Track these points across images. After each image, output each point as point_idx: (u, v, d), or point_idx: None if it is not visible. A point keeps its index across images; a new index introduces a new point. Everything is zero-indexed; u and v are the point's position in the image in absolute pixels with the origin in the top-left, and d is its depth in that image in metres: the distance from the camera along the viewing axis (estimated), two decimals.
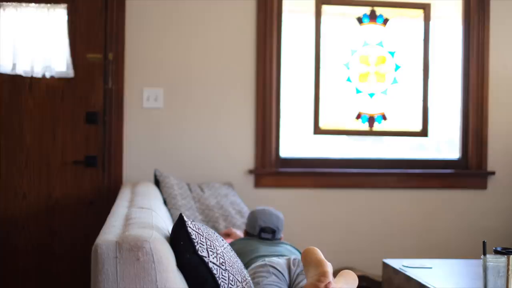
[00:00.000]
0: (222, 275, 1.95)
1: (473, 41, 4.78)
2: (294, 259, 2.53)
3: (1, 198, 4.31)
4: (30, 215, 4.25)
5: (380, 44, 4.75)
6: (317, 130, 4.69)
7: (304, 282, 2.34)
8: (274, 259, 2.54)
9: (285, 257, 2.58)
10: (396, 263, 3.47)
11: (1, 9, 4.19)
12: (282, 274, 2.45)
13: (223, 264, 1.98)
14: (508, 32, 4.83)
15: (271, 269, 2.44)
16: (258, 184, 4.54)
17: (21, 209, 4.28)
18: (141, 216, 2.25)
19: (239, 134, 4.52)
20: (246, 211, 4.00)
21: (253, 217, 3.28)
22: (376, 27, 4.75)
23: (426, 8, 4.76)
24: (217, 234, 2.13)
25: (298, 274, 2.46)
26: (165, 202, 3.89)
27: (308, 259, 2.18)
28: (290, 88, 4.67)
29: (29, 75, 4.21)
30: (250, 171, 4.53)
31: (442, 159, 4.91)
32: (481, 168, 4.79)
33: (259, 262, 2.52)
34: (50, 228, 4.31)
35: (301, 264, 2.48)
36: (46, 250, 4.29)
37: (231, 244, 3.00)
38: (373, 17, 4.74)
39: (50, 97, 4.34)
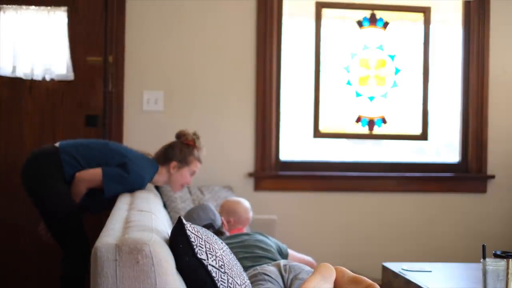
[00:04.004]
0: (221, 278, 1.95)
1: (473, 44, 4.78)
2: (285, 265, 2.54)
3: (2, 200, 4.31)
4: (30, 217, 4.24)
5: (380, 47, 4.76)
6: (317, 134, 4.69)
7: (299, 285, 2.37)
8: (266, 267, 2.55)
9: (274, 263, 2.59)
10: (395, 266, 3.47)
11: (1, 12, 4.20)
12: (277, 281, 2.46)
13: (222, 267, 1.97)
14: (508, 36, 4.83)
15: (266, 277, 2.46)
16: (257, 187, 4.55)
17: (21, 212, 4.27)
18: (141, 219, 2.25)
19: (239, 137, 4.53)
20: None
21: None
22: (376, 30, 4.75)
23: (426, 11, 4.77)
24: (216, 237, 2.13)
25: (292, 280, 2.47)
26: (165, 205, 3.90)
27: (341, 280, 2.26)
28: (290, 91, 4.67)
29: (29, 78, 4.22)
30: (250, 174, 4.53)
31: (442, 162, 4.91)
32: (481, 172, 4.79)
33: (251, 272, 2.53)
34: None
35: (293, 269, 2.50)
36: (46, 253, 4.28)
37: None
38: (373, 20, 4.74)
39: (50, 100, 4.34)
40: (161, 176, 3.64)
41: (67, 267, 3.45)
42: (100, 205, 3.56)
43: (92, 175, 3.40)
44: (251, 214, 3.78)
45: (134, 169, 3.43)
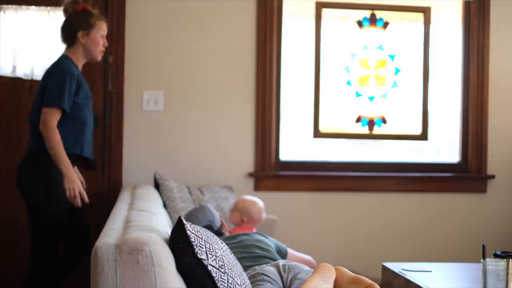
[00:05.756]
0: (221, 278, 1.95)
1: (473, 45, 4.79)
2: (284, 265, 2.54)
3: (1, 201, 4.31)
4: None
5: (380, 47, 4.76)
6: (317, 134, 4.69)
7: (298, 285, 2.37)
8: (265, 267, 2.55)
9: (273, 263, 2.59)
10: (395, 266, 3.46)
11: (1, 12, 4.20)
12: (276, 281, 2.46)
13: (222, 267, 1.97)
14: (508, 36, 4.83)
15: (265, 277, 2.45)
16: (258, 187, 4.55)
17: (21, 212, 4.27)
18: (141, 219, 2.25)
19: (239, 137, 4.53)
20: None
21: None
22: (376, 30, 4.75)
23: (426, 11, 4.77)
24: (216, 237, 2.13)
25: (291, 280, 2.46)
26: (165, 205, 3.90)
27: (341, 280, 2.25)
28: (290, 91, 4.67)
29: (29, 78, 4.22)
30: (250, 174, 4.53)
31: (442, 162, 4.91)
32: (481, 172, 4.79)
33: (250, 272, 2.52)
34: None
35: (292, 269, 2.50)
36: None
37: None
38: (373, 20, 4.74)
39: None
40: (78, 53, 3.59)
41: (33, 276, 3.47)
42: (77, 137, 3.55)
43: (46, 115, 3.37)
44: (264, 215, 3.78)
45: (50, 73, 3.47)
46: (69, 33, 3.59)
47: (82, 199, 3.51)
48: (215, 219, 3.48)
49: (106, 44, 3.72)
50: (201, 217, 3.44)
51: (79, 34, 3.57)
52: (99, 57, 3.71)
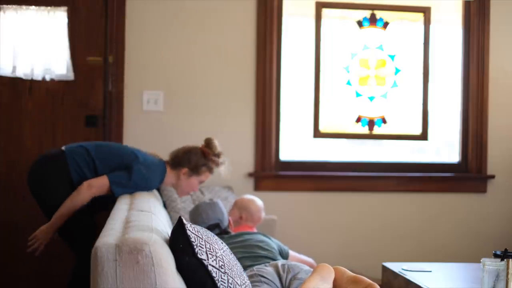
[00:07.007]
0: (222, 278, 1.94)
1: (473, 45, 4.78)
2: (283, 265, 2.53)
3: (1, 200, 4.31)
4: (30, 217, 4.24)
5: (380, 47, 4.75)
6: (317, 134, 4.69)
7: (298, 285, 2.36)
8: (263, 267, 2.54)
9: (272, 263, 2.59)
10: (395, 266, 3.46)
11: (1, 12, 4.20)
12: (273, 282, 2.45)
13: (222, 267, 1.97)
14: (508, 36, 4.83)
15: (262, 279, 2.45)
16: (258, 187, 4.55)
17: (21, 212, 4.28)
18: (141, 219, 2.25)
19: (239, 137, 4.52)
20: None
21: (193, 220, 3.35)
22: (376, 30, 4.75)
23: (426, 11, 4.77)
24: (216, 237, 2.13)
25: (291, 280, 2.46)
26: (165, 205, 3.89)
27: (341, 280, 2.25)
28: (290, 91, 4.67)
29: (29, 78, 4.22)
30: (250, 174, 4.53)
31: (442, 162, 4.91)
32: (481, 172, 4.79)
33: (248, 272, 2.52)
34: None
35: (291, 269, 2.50)
36: (46, 253, 4.28)
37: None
38: (373, 20, 4.74)
39: (50, 100, 4.34)
40: (168, 178, 3.56)
41: (77, 270, 3.43)
42: (102, 206, 3.51)
43: (100, 183, 3.29)
44: (263, 213, 3.79)
45: (142, 171, 3.35)
46: (180, 160, 3.56)
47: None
48: (224, 217, 3.46)
49: (196, 191, 3.72)
50: (211, 214, 3.42)
51: (184, 170, 3.55)
52: (181, 197, 3.76)
